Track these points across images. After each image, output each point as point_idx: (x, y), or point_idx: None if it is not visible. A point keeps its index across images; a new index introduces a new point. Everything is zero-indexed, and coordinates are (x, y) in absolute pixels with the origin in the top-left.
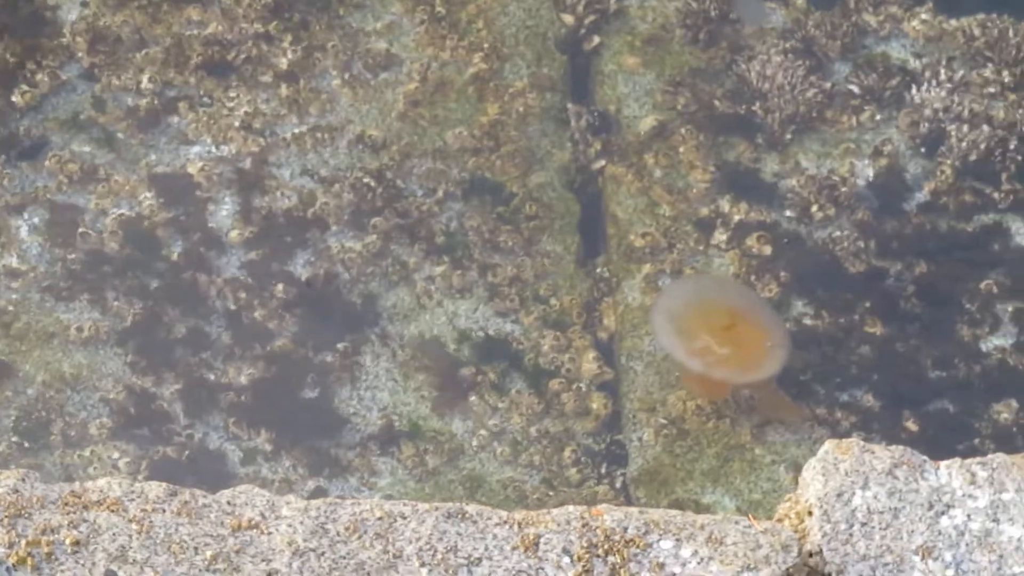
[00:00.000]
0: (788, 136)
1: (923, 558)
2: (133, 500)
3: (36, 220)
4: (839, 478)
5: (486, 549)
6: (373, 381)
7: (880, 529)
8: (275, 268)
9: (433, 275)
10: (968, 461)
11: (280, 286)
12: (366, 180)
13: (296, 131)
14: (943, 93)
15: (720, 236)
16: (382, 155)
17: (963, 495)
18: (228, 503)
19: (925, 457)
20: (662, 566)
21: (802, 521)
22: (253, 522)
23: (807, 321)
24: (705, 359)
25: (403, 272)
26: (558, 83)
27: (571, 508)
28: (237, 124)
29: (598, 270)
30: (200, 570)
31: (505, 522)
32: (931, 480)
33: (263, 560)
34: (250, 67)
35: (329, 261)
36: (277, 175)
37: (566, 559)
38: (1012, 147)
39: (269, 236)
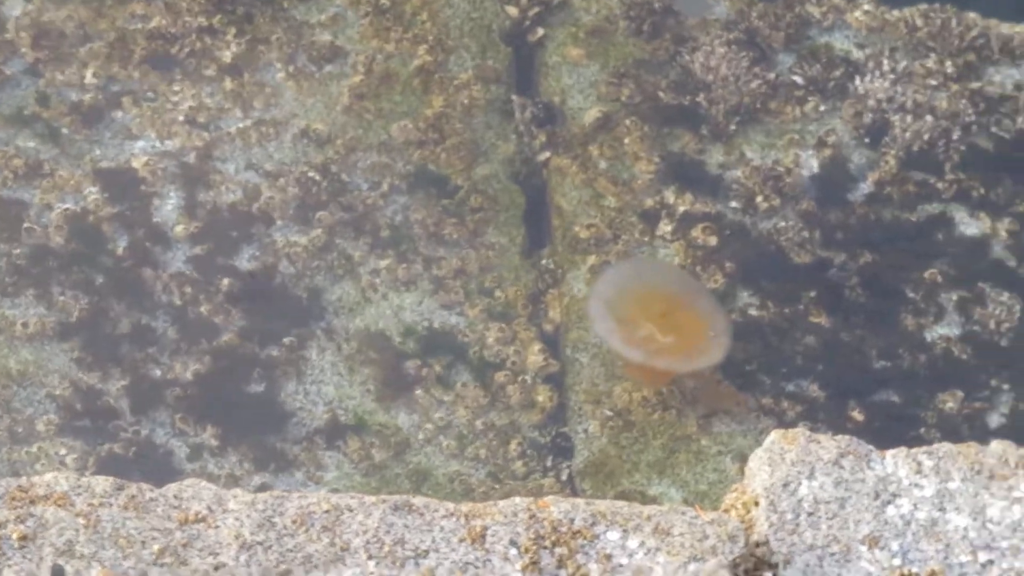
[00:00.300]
0: (732, 127)
1: (870, 548)
2: (80, 495)
3: None
4: (785, 468)
5: (433, 541)
6: (319, 375)
7: (827, 519)
8: (220, 263)
9: (378, 268)
10: (914, 450)
11: (225, 281)
12: (311, 174)
13: (241, 125)
14: (886, 84)
15: (665, 227)
16: (327, 149)
17: (909, 484)
18: (175, 497)
19: (871, 447)
20: (609, 557)
21: (749, 511)
22: (200, 516)
23: (752, 311)
24: (647, 348)
25: (348, 266)
26: (503, 75)
27: (518, 500)
28: (181, 118)
29: (543, 262)
30: (147, 564)
31: (452, 514)
32: (877, 470)
33: (210, 554)
34: (194, 61)
35: (274, 255)
36: (222, 169)
37: (513, 551)
38: (955, 137)
39: (214, 231)
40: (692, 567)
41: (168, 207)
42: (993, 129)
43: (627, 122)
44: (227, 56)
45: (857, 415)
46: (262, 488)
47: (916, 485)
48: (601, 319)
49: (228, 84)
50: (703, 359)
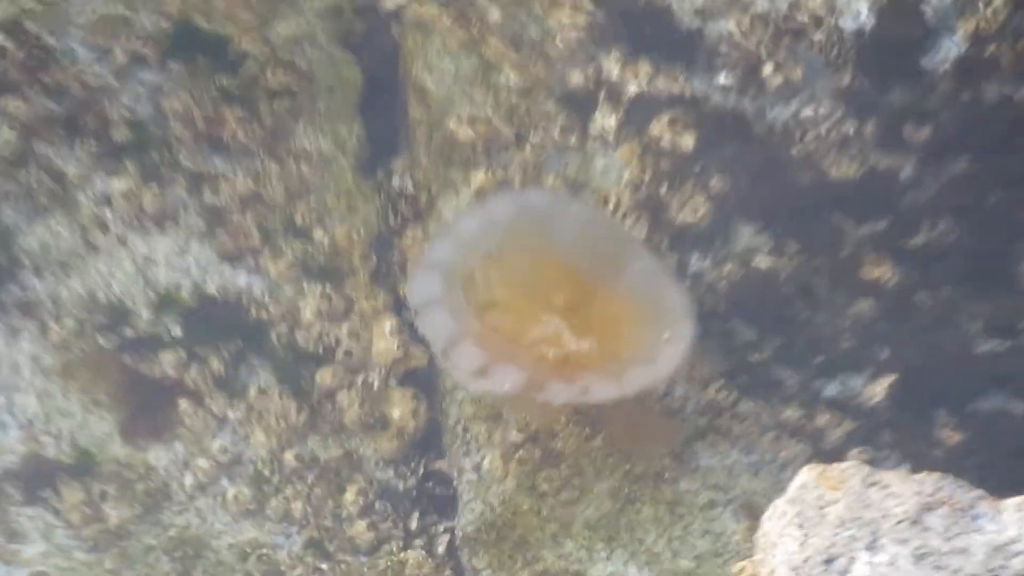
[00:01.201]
0: None
1: None
2: None
3: None
4: (828, 531)
5: None
6: (9, 378)
7: None
8: None
9: (110, 194)
10: None
11: None
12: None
13: None
14: None
15: (605, 120)
16: None
17: None
18: None
19: (978, 491)
20: None
21: None
22: None
23: (761, 262)
24: (542, 360)
25: (59, 190)
26: None
27: None
28: None
29: (395, 181)
30: None
31: None
32: (989, 531)
33: None
34: None
35: None
36: None
37: None
38: None
39: None
40: None
41: None
42: None
43: None
44: None
45: (950, 434)
46: None
47: None
48: (442, 311)
49: None
50: (642, 376)
